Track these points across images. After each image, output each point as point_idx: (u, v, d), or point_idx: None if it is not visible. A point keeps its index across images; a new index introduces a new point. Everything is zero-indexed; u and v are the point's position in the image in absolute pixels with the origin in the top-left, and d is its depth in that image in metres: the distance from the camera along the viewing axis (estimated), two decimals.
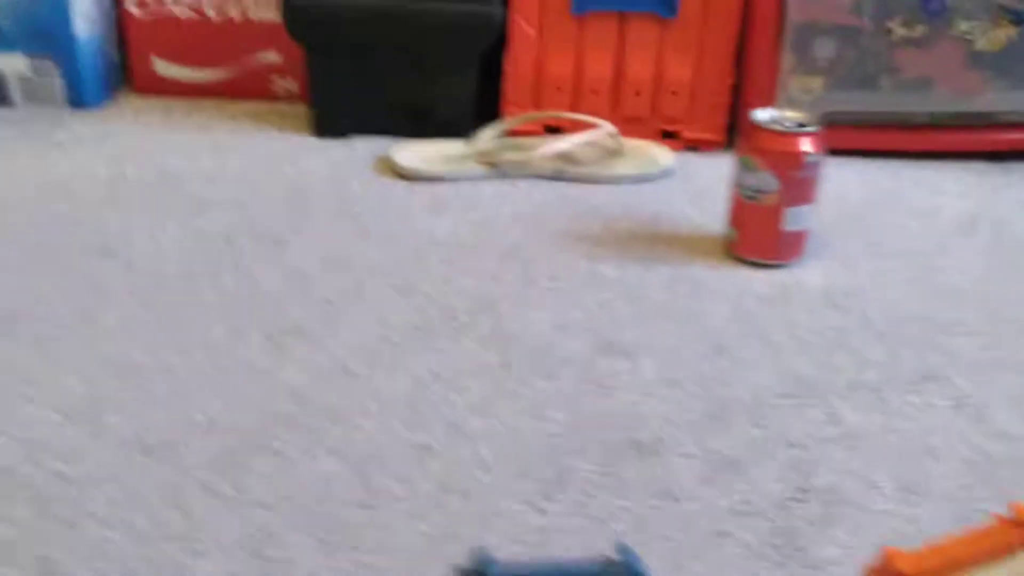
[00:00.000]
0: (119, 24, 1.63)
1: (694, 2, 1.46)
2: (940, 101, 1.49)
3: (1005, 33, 1.44)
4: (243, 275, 1.12)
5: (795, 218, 1.16)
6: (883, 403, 0.92)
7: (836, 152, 1.48)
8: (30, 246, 1.17)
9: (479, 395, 0.91)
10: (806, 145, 1.13)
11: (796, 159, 1.13)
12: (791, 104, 1.47)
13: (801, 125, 1.14)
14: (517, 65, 1.50)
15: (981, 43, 1.44)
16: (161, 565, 0.70)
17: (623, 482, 0.79)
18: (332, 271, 1.14)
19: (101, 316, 1.03)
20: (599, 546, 0.72)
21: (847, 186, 1.42)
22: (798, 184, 1.14)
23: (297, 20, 1.45)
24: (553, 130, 1.49)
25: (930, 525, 0.77)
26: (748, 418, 0.89)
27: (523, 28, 1.48)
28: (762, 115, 1.16)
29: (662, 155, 1.46)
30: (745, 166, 1.16)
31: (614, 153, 1.45)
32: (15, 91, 1.56)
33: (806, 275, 1.17)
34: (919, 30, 1.44)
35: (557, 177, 1.42)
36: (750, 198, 1.16)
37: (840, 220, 1.31)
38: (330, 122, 1.52)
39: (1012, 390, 0.94)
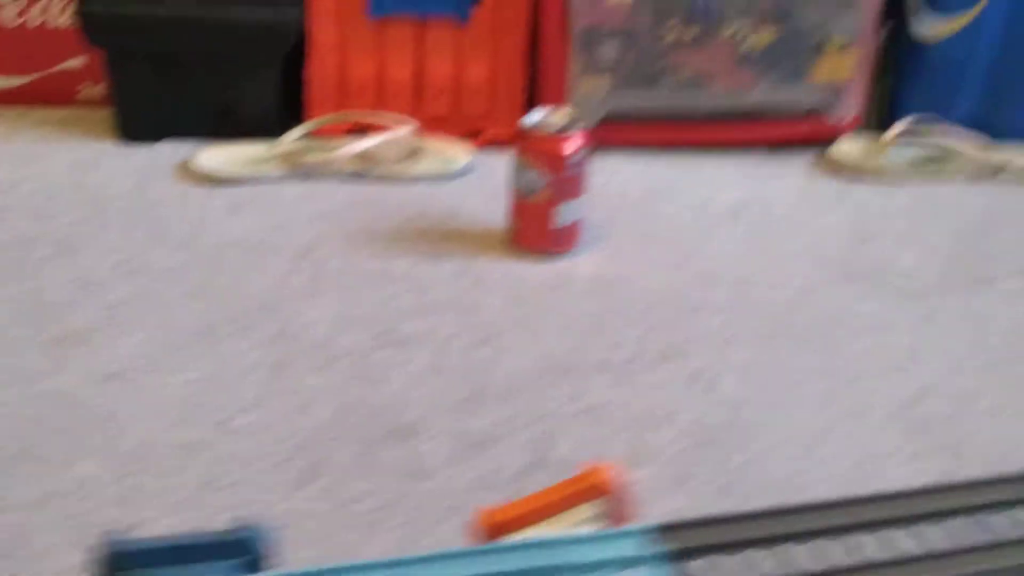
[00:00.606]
0: None
1: (486, 7, 1.54)
2: (715, 97, 1.62)
3: (768, 34, 1.57)
4: (30, 283, 1.14)
5: (567, 212, 1.25)
6: (626, 380, 1.02)
7: (622, 147, 1.60)
8: None
9: (251, 394, 0.96)
10: (569, 146, 1.22)
11: (560, 159, 1.22)
12: (580, 102, 1.57)
13: (566, 127, 1.24)
14: (319, 68, 1.55)
15: (748, 43, 1.57)
16: None
17: (374, 467, 0.87)
18: (122, 277, 1.17)
19: None
20: (339, 528, 0.79)
21: (629, 180, 1.52)
22: (565, 181, 1.24)
23: (93, 27, 1.47)
24: (359, 131, 1.55)
25: (652, 488, 0.87)
26: (501, 399, 0.98)
27: (322, 32, 1.53)
28: (531, 118, 1.24)
29: (460, 154, 1.54)
30: (519, 166, 1.25)
31: (414, 152, 1.52)
32: None
33: (578, 265, 1.26)
34: (692, 32, 1.55)
35: (358, 177, 1.48)
36: (524, 195, 1.25)
37: (618, 212, 1.41)
38: (134, 127, 1.54)
39: (741, 363, 1.06)
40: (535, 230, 1.26)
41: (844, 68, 1.63)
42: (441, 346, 1.07)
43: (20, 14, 1.60)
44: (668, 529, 0.47)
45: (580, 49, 1.55)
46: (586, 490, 0.51)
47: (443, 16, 1.54)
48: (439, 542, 0.79)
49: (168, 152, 1.51)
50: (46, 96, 1.65)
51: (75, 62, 1.64)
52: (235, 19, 1.47)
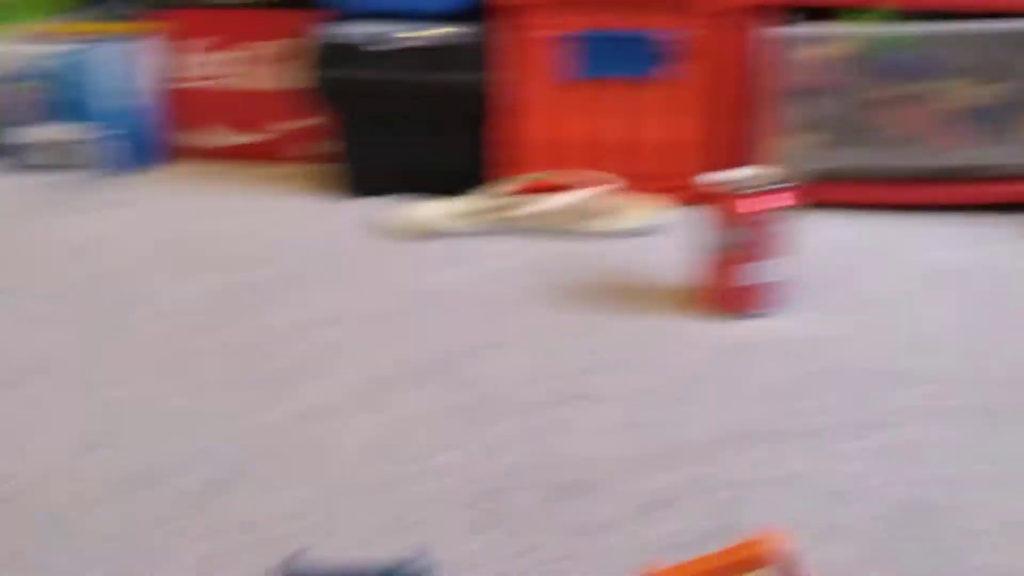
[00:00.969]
0: (163, 95, 1.78)
1: (696, 66, 1.54)
2: (927, 156, 1.53)
3: (984, 91, 1.48)
4: (250, 324, 1.22)
5: (764, 271, 1.21)
6: (824, 449, 0.97)
7: (834, 206, 1.54)
8: (63, 300, 1.30)
9: (441, 438, 0.98)
10: (768, 204, 1.19)
11: (758, 217, 1.19)
12: (789, 160, 1.53)
13: (767, 183, 1.20)
14: (521, 129, 1.59)
15: (960, 101, 1.49)
16: None
17: (553, 518, 0.86)
18: (334, 321, 1.23)
19: (117, 360, 1.14)
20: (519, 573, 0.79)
21: (840, 239, 1.46)
22: (764, 239, 1.20)
23: (330, 91, 1.58)
24: (566, 189, 1.58)
25: (845, 567, 0.82)
26: (689, 461, 0.95)
27: (525, 94, 1.57)
28: (731, 175, 1.22)
29: (665, 210, 1.53)
30: (717, 222, 1.22)
31: (619, 208, 1.52)
32: (69, 157, 1.72)
33: (779, 326, 1.22)
34: (903, 90, 1.49)
35: (561, 232, 1.50)
36: (721, 253, 1.22)
37: (827, 272, 1.35)
38: (360, 183, 1.63)
39: (954, 438, 0.98)
40: (733, 289, 1.23)
41: None
42: (631, 402, 1.05)
43: (249, 78, 1.75)
44: None
45: (790, 107, 1.52)
46: (753, 557, 0.49)
47: (650, 76, 1.55)
48: None
49: (385, 207, 1.58)
50: (275, 152, 1.79)
51: (299, 123, 1.77)
52: (440, 81, 1.55)
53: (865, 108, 1.50)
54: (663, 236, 1.49)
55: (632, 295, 1.30)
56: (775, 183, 1.21)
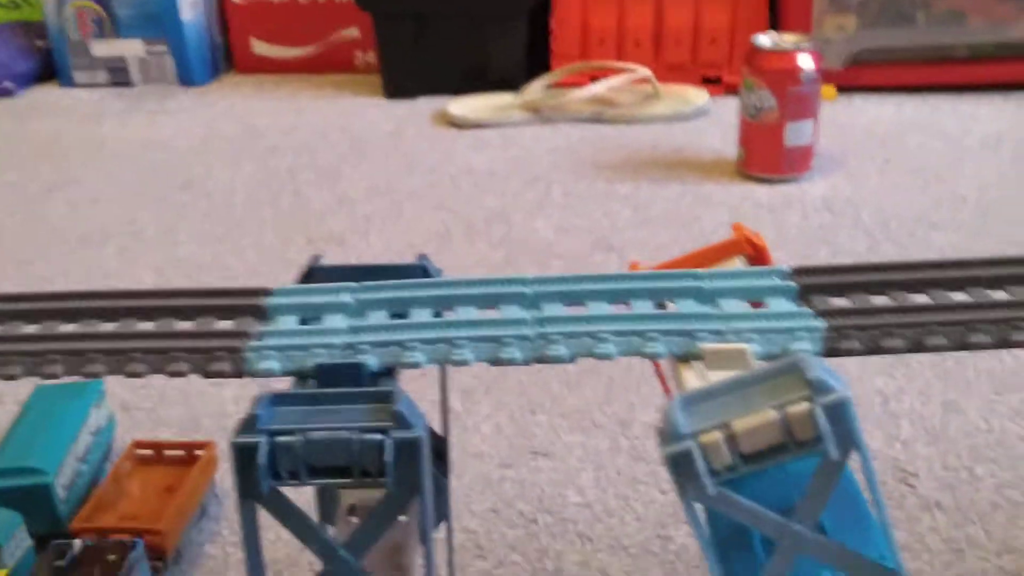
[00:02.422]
0: (221, 10, 1.85)
1: None
2: (974, 32, 1.52)
3: None
4: (298, 199, 1.29)
5: (796, 133, 1.23)
6: None
7: (873, 89, 1.54)
8: (129, 183, 1.38)
9: None
10: (801, 61, 1.21)
11: (791, 75, 1.21)
12: (826, 44, 1.53)
13: (797, 46, 1.22)
14: (562, 20, 1.63)
15: None
16: None
17: None
18: (375, 196, 1.29)
19: (176, 231, 1.22)
20: None
21: (876, 118, 1.47)
22: (796, 100, 1.22)
23: None
24: (599, 80, 1.61)
25: None
26: None
27: None
28: (763, 39, 1.24)
29: (697, 96, 1.55)
30: (747, 87, 1.25)
31: (651, 96, 1.55)
32: (134, 71, 1.81)
33: (810, 187, 1.24)
34: None
35: (595, 120, 1.53)
36: (753, 117, 1.25)
37: (862, 145, 1.36)
38: (398, 84, 1.69)
39: None
40: (764, 151, 1.25)
41: None
42: (654, 252, 1.09)
43: None
44: (799, 271, 0.48)
45: None
46: (729, 246, 0.53)
47: None
48: None
49: (425, 104, 1.64)
50: (327, 64, 1.84)
51: (351, 32, 1.83)
52: None
53: None
54: (697, 121, 1.51)
55: (663, 167, 1.34)
56: (806, 47, 1.22)
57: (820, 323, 0.44)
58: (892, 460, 0.75)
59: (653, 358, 0.43)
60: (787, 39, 1.24)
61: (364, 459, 0.38)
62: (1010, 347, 0.44)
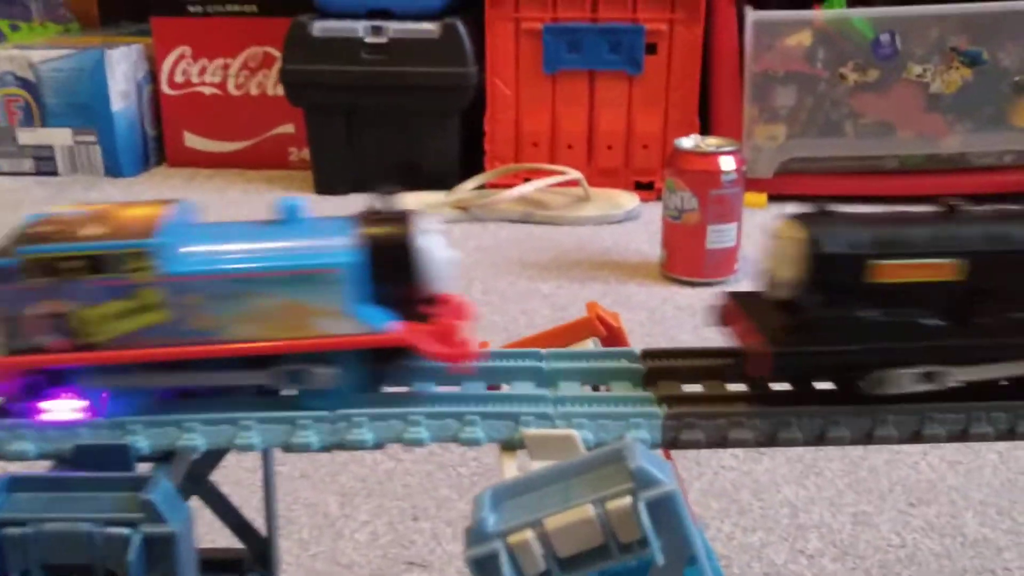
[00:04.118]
0: (156, 102, 1.83)
1: (658, 58, 1.56)
2: (903, 144, 1.53)
3: (960, 75, 1.48)
4: None
5: (719, 236, 1.21)
6: None
7: (805, 198, 1.54)
8: None
9: None
10: (723, 164, 1.19)
11: (713, 177, 1.19)
12: (757, 152, 1.53)
13: (720, 147, 1.21)
14: (495, 122, 1.62)
15: (936, 85, 1.48)
16: None
17: None
18: None
19: None
20: None
21: None
22: (718, 202, 1.20)
23: (292, 85, 1.61)
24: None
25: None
26: None
27: (499, 87, 1.60)
28: (685, 141, 1.23)
29: (627, 200, 1.53)
30: (670, 188, 1.23)
31: (582, 199, 1.53)
32: (60, 160, 1.77)
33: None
34: (872, 75, 1.49)
35: (525, 220, 1.50)
36: (675, 218, 1.22)
37: None
38: (329, 180, 1.66)
39: None
40: (686, 253, 1.22)
41: None
42: None
43: (240, 85, 1.80)
44: (649, 354, 0.43)
45: (755, 96, 1.52)
46: (582, 327, 0.48)
47: (615, 69, 1.57)
48: None
49: (356, 201, 1.60)
50: (261, 159, 1.82)
51: (287, 128, 1.81)
52: (417, 73, 1.58)
53: (837, 95, 1.51)
54: (626, 224, 1.49)
55: (587, 268, 1.30)
56: (728, 149, 1.21)
57: (660, 410, 0.39)
58: None
59: (470, 444, 0.38)
60: (710, 142, 1.23)
61: (108, 557, 0.32)
62: (866, 443, 0.40)
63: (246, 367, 0.42)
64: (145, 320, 0.42)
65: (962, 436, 0.44)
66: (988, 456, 0.83)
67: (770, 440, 0.39)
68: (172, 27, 1.78)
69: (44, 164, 1.77)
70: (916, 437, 0.44)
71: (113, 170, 1.76)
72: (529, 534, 0.33)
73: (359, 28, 1.58)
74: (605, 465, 0.33)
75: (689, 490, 0.78)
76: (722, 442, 0.40)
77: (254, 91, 1.80)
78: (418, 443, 0.37)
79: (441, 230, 0.46)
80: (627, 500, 0.32)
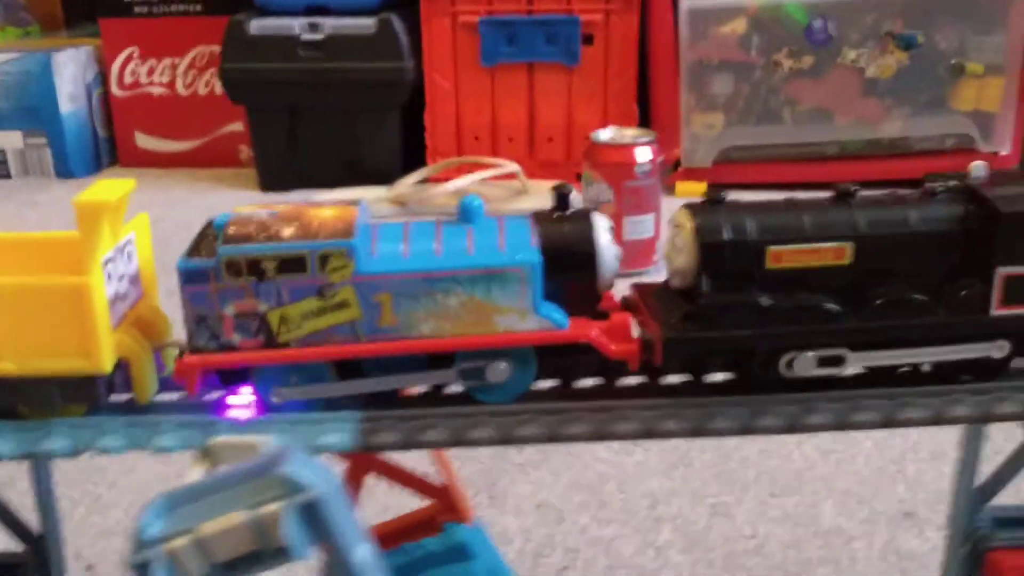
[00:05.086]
0: (106, 103, 1.84)
1: (595, 49, 1.55)
2: (841, 130, 1.51)
3: (896, 59, 1.46)
4: None
5: (635, 227, 1.21)
6: None
7: (745, 186, 1.53)
8: None
9: None
10: (638, 155, 1.19)
11: (627, 168, 1.18)
12: (695, 141, 1.53)
13: (635, 139, 1.20)
14: (436, 115, 1.62)
15: (872, 70, 1.47)
16: None
17: None
18: None
19: None
20: None
21: None
22: (633, 193, 1.19)
23: (232, 84, 1.62)
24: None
25: None
26: None
27: (438, 81, 1.60)
28: (601, 133, 1.22)
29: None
30: (586, 180, 1.22)
31: (520, 192, 1.53)
32: (12, 163, 1.78)
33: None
34: (807, 61, 1.48)
35: None
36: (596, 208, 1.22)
37: None
38: (273, 177, 1.66)
39: None
40: None
41: (991, 96, 1.48)
42: None
43: (189, 85, 1.80)
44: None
45: (691, 85, 1.52)
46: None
47: (553, 61, 1.57)
48: None
49: (298, 197, 1.61)
50: (212, 158, 1.82)
51: (236, 127, 1.82)
52: (355, 69, 1.58)
53: (773, 82, 1.50)
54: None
55: None
56: (644, 140, 1.21)
57: (355, 414, 0.39)
58: (638, 569, 0.69)
59: (160, 452, 0.38)
60: (627, 133, 1.22)
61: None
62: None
63: (423, 366, 0.44)
64: (337, 318, 0.44)
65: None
66: (864, 444, 0.82)
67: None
68: (120, 28, 1.79)
69: None
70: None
71: (64, 172, 1.77)
72: (185, 540, 0.33)
73: (295, 25, 1.58)
74: (265, 471, 0.34)
75: (556, 483, 0.78)
76: (413, 444, 0.40)
77: (202, 90, 1.81)
78: (109, 452, 0.38)
79: (609, 227, 0.50)
80: (276, 506, 0.33)
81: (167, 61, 1.80)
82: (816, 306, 0.47)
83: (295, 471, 0.33)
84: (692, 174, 1.53)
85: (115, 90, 1.81)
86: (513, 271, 0.44)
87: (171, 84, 1.81)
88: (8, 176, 1.78)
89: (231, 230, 0.45)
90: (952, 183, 0.48)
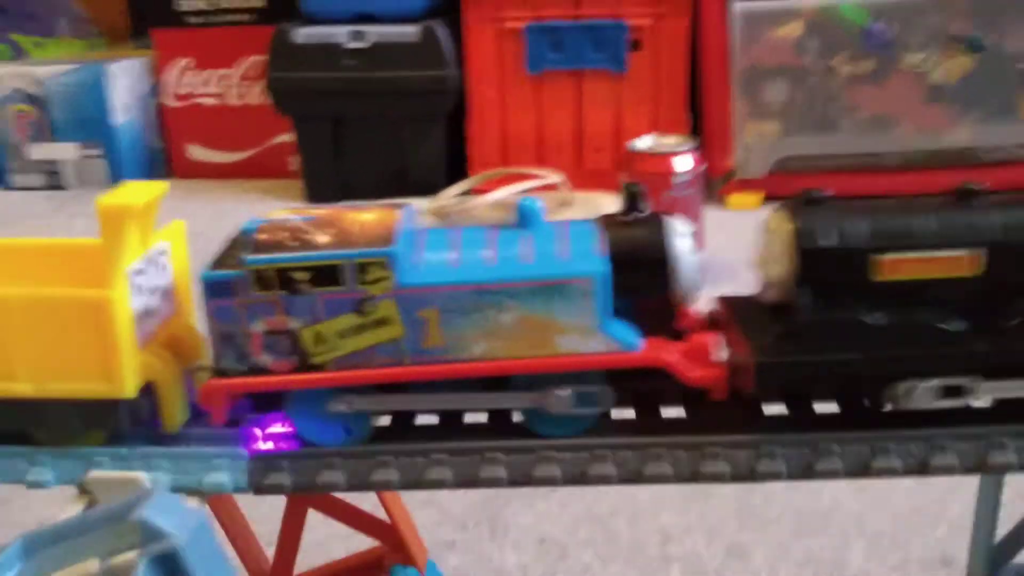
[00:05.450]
0: (160, 115, 1.85)
1: (643, 55, 1.50)
2: (903, 140, 1.43)
3: (961, 63, 1.37)
4: None
5: None
6: None
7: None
8: None
9: None
10: (677, 164, 1.13)
11: (664, 178, 1.13)
12: (748, 151, 1.46)
13: (675, 148, 1.15)
14: (480, 125, 1.58)
15: (936, 75, 1.39)
16: None
17: None
18: None
19: None
20: None
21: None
22: (671, 204, 1.14)
23: (278, 93, 1.61)
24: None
25: None
26: None
27: (482, 90, 1.57)
28: (639, 142, 1.17)
29: (609, 202, 1.48)
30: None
31: (565, 203, 1.48)
32: (68, 174, 1.81)
33: None
34: (866, 66, 1.40)
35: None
36: None
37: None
38: (318, 188, 1.65)
39: None
40: None
41: None
42: None
43: (240, 95, 1.81)
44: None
45: (744, 91, 1.45)
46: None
47: (600, 68, 1.52)
48: None
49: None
50: (262, 169, 1.82)
51: (286, 138, 1.81)
52: (400, 79, 1.55)
53: (831, 88, 1.42)
54: None
55: None
56: (685, 149, 1.15)
57: (245, 452, 0.35)
58: None
59: (34, 487, 0.35)
60: (667, 141, 1.17)
61: None
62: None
63: (478, 389, 0.39)
64: (378, 337, 0.39)
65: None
66: (901, 480, 0.75)
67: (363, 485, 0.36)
68: (173, 39, 1.80)
69: (53, 178, 1.81)
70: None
71: (117, 182, 1.79)
72: None
73: (340, 34, 1.57)
74: (124, 516, 0.30)
75: (562, 514, 0.74)
76: (312, 487, 0.36)
77: (253, 101, 1.81)
78: None
79: (688, 232, 0.43)
80: (131, 555, 0.29)
81: (219, 72, 1.81)
82: (937, 326, 0.40)
83: (153, 516, 0.29)
84: (746, 185, 1.47)
85: (168, 101, 1.83)
86: (576, 283, 0.39)
87: (223, 95, 1.81)
88: (65, 187, 1.81)
89: (261, 237, 0.40)
90: None
